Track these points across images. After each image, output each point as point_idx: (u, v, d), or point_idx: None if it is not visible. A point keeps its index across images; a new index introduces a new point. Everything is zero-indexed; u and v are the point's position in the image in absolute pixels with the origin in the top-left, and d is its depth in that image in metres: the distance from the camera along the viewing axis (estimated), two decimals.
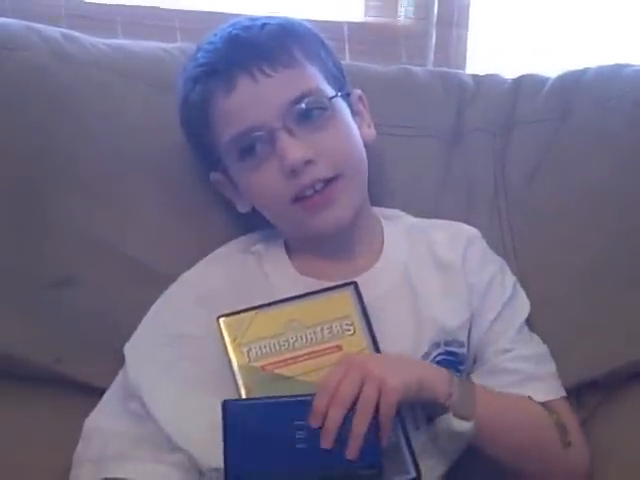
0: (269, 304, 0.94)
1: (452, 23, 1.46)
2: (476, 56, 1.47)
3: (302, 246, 1.03)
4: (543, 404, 0.98)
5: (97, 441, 0.97)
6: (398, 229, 1.06)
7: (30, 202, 1.06)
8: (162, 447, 0.94)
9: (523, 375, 0.99)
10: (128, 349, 1.00)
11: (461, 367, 0.99)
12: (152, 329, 1.01)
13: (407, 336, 0.97)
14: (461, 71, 1.34)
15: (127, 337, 1.01)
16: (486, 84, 1.23)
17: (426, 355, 0.96)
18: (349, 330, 0.92)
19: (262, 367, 0.91)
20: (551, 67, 1.26)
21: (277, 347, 0.92)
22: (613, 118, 1.11)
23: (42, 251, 1.05)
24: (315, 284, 0.98)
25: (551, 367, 1.02)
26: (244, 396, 0.90)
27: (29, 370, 1.06)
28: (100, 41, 1.14)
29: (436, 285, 1.01)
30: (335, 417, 0.82)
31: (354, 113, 1.03)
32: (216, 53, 0.97)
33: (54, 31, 1.12)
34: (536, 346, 1.03)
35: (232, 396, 0.90)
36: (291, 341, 0.92)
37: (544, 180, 1.12)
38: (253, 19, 1.00)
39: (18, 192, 1.06)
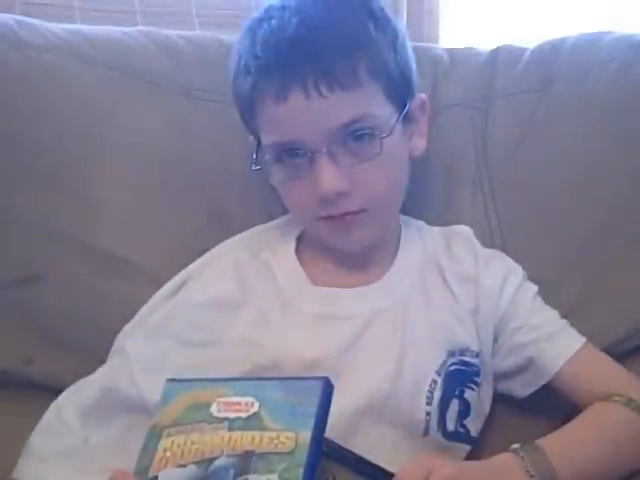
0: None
1: None
2: (449, 30, 1.45)
3: (317, 252, 1.02)
4: (599, 392, 0.95)
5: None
6: (413, 234, 1.05)
7: None
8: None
9: (542, 339, 0.98)
10: (131, 348, 0.97)
11: (477, 378, 0.97)
12: (158, 333, 0.98)
13: (426, 342, 0.96)
14: (434, 45, 1.31)
15: (101, 332, 0.99)
16: (461, 57, 1.20)
17: (444, 364, 0.95)
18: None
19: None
20: (526, 39, 1.23)
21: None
22: (595, 87, 1.09)
23: (3, 247, 1.03)
24: (329, 292, 0.98)
25: (564, 321, 1.01)
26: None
27: None
28: (57, 26, 1.11)
29: (444, 291, 1.00)
30: None
31: (410, 121, 0.98)
32: (275, 51, 0.90)
33: (7, 18, 1.09)
34: (547, 310, 1.02)
35: None
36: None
37: (527, 153, 1.10)
38: (329, 8, 0.93)
39: None
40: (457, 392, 0.95)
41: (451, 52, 1.20)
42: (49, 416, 0.96)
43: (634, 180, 1.06)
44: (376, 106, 0.93)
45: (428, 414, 0.92)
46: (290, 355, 0.93)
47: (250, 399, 0.76)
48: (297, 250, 1.03)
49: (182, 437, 0.75)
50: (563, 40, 1.15)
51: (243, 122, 1.00)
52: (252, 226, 1.07)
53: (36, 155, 1.04)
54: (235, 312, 0.97)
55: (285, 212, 1.08)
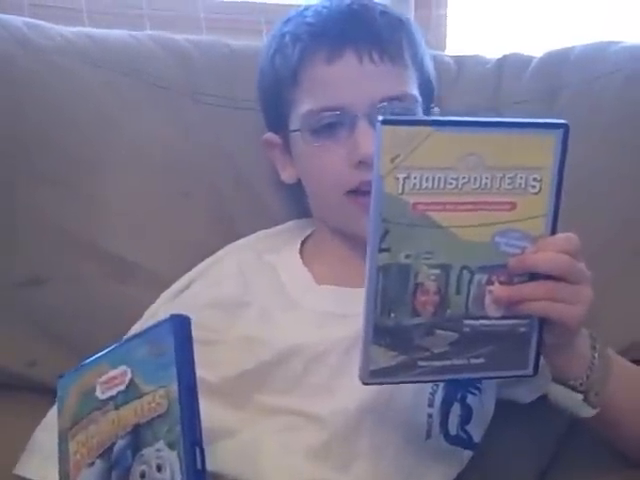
0: (448, 122, 0.68)
1: (431, 4, 1.44)
2: (456, 38, 1.45)
3: (323, 251, 1.01)
4: None
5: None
6: None
7: None
8: None
9: None
10: None
11: (478, 384, 0.95)
12: None
13: None
14: (441, 52, 1.31)
15: (107, 335, 0.94)
16: (468, 65, 1.19)
17: None
18: (534, 187, 0.69)
19: (414, 205, 0.67)
20: (533, 47, 1.23)
21: (442, 184, 0.67)
22: (602, 97, 1.08)
23: (9, 248, 1.03)
24: (335, 290, 0.97)
25: None
26: (380, 230, 0.68)
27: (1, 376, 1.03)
28: (65, 29, 1.11)
29: None
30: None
31: None
32: (329, 19, 0.96)
33: (17, 20, 1.10)
34: None
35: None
36: (461, 181, 0.68)
37: None
38: (372, 2, 1.00)
39: None
40: (459, 396, 0.94)
41: (458, 60, 1.20)
42: (54, 413, 0.96)
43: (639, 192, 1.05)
44: (415, 91, 0.97)
45: (430, 416, 0.91)
46: (295, 351, 0.92)
47: (123, 368, 0.72)
48: (301, 252, 1.03)
49: (83, 435, 0.74)
50: (570, 49, 1.15)
51: (269, 113, 1.02)
52: (257, 231, 1.07)
53: (43, 157, 1.04)
54: (239, 311, 0.96)
55: (290, 218, 1.08)
